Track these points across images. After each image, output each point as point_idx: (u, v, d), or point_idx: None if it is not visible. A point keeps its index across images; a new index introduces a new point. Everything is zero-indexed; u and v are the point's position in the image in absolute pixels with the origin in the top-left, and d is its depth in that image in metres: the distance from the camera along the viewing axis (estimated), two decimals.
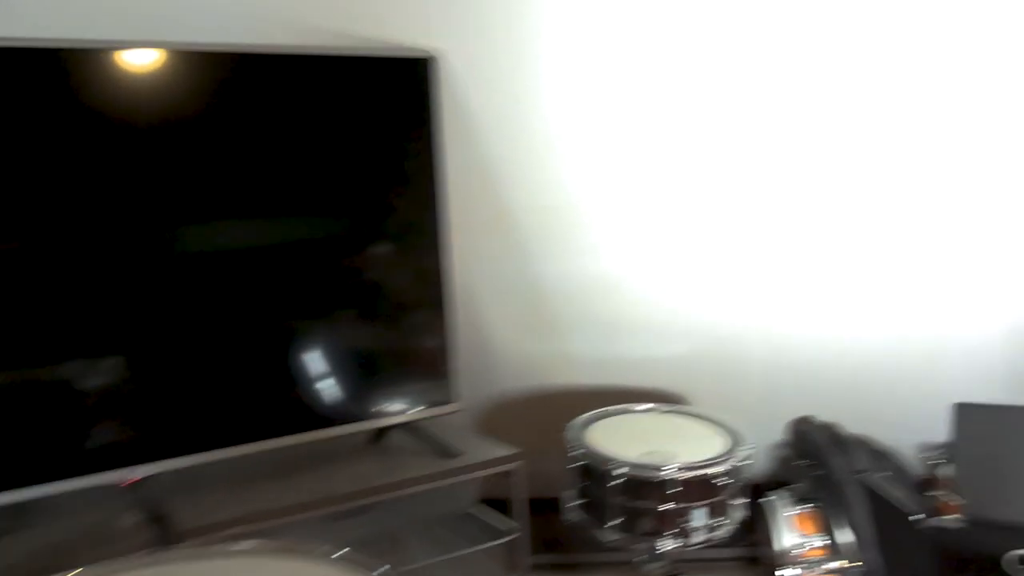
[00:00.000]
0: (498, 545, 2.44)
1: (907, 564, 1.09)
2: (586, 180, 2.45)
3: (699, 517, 2.25)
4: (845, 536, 2.53)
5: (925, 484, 3.01)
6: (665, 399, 2.93)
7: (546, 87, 2.21)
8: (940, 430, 3.25)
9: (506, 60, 2.14)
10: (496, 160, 2.35)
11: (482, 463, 2.39)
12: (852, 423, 3.13)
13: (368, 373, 2.30)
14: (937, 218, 2.58)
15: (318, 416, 2.23)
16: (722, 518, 2.31)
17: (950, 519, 1.04)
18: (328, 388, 2.25)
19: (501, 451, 2.45)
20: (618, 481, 2.23)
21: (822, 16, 2.17)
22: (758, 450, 3.27)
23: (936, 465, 2.93)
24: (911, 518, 1.09)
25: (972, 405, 0.97)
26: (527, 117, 2.28)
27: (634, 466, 2.23)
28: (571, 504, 2.41)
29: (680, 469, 2.22)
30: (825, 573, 2.60)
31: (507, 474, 2.41)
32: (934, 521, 1.04)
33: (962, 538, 1.03)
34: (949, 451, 1.03)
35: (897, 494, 1.13)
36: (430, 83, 2.09)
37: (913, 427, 3.24)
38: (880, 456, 3.11)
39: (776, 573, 2.62)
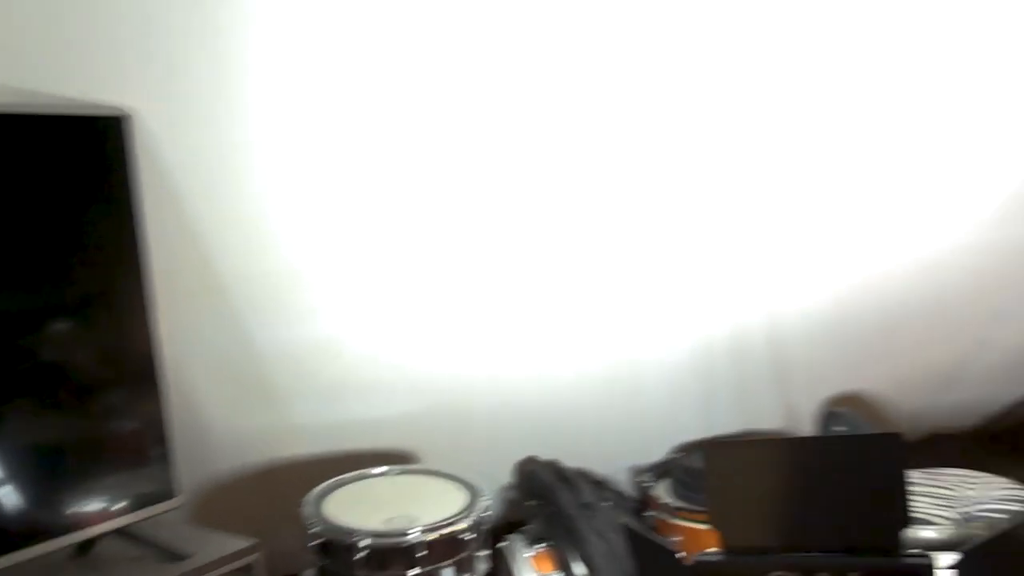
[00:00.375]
0: None
1: None
2: (301, 242, 2.34)
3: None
4: (580, 569, 2.63)
5: (642, 505, 3.24)
6: (397, 458, 2.87)
7: (257, 149, 2.10)
8: (648, 451, 3.53)
9: (212, 120, 2.00)
10: (204, 225, 2.18)
11: (216, 561, 2.14)
12: (572, 457, 3.29)
13: (64, 474, 1.99)
14: (615, 245, 2.74)
15: None
16: (470, 573, 2.30)
17: (710, 552, 1.10)
18: (7, 498, 1.90)
19: (236, 545, 2.21)
20: (363, 553, 2.13)
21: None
22: (491, 497, 3.32)
23: (648, 487, 3.15)
24: (676, 556, 1.13)
25: (719, 443, 1.04)
26: (237, 179, 2.14)
27: (377, 535, 2.15)
28: None
29: (425, 531, 2.17)
30: None
31: (247, 568, 2.19)
32: (696, 556, 1.09)
33: (722, 568, 1.09)
34: (704, 490, 1.10)
35: (657, 537, 1.17)
36: (123, 143, 1.89)
37: (623, 452, 3.48)
38: (600, 486, 3.29)
39: None
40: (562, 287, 2.77)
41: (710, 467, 1.16)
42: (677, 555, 1.16)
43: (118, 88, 1.89)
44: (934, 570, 1.02)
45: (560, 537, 2.83)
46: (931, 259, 3.05)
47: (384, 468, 2.58)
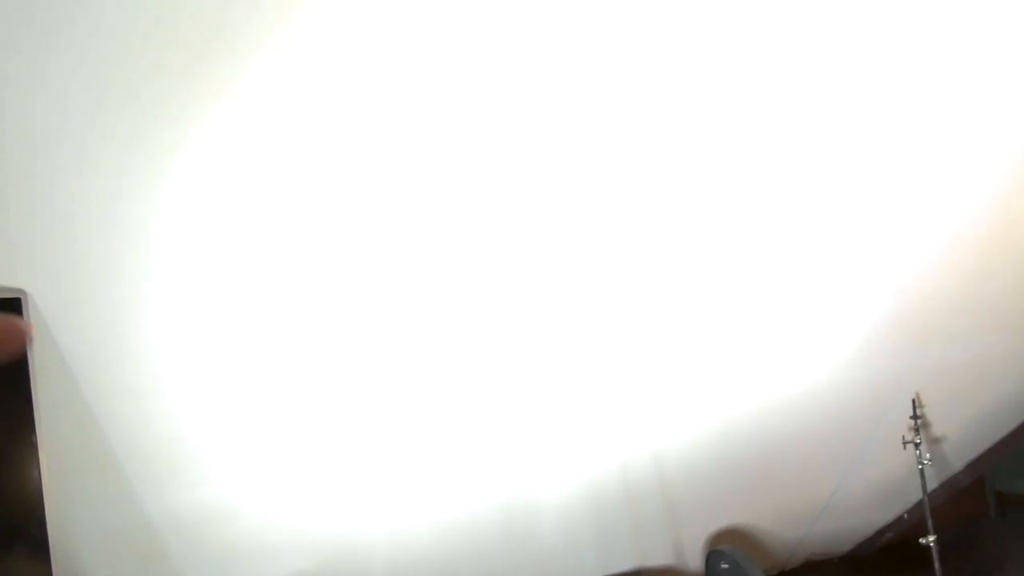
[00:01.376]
0: None
1: None
2: (193, 412, 2.33)
3: None
4: None
5: None
6: None
7: (149, 324, 2.11)
8: None
9: (104, 299, 2.01)
10: (97, 398, 2.15)
11: None
12: None
13: None
14: (503, 389, 2.81)
15: None
16: None
17: None
18: None
19: None
20: None
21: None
22: None
23: None
24: None
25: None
26: (131, 354, 2.14)
27: None
28: None
29: None
30: None
31: None
32: None
33: None
34: None
35: None
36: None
37: None
38: None
39: None
40: (452, 434, 2.82)
41: None
42: None
43: (12, 270, 1.89)
44: None
45: None
46: (793, 398, 3.27)
47: None
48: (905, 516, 4.09)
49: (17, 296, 1.92)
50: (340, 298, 2.29)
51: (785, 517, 3.82)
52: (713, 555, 3.43)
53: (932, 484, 3.95)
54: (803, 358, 3.20)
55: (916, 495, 3.55)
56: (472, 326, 2.56)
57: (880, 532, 4.22)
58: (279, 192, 2.03)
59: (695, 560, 3.62)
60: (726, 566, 3.29)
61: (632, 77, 2.12)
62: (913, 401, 3.51)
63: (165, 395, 2.22)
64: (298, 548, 2.75)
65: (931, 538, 3.39)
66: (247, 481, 2.50)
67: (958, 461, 4.10)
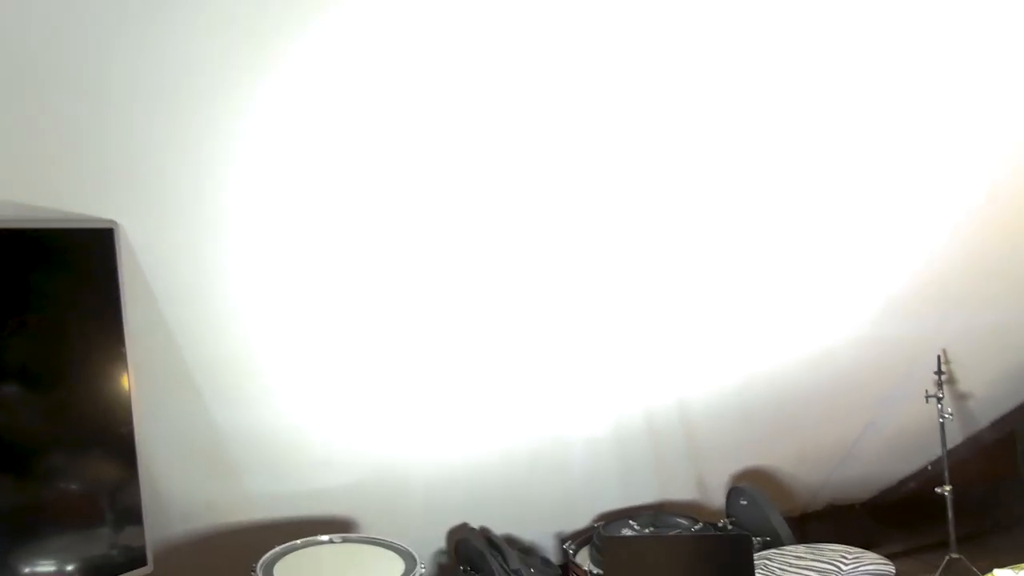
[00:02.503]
0: None
1: None
2: (262, 337, 2.59)
3: None
4: None
5: (565, 572, 3.50)
6: (339, 526, 3.10)
7: (227, 255, 2.36)
8: (572, 520, 3.80)
9: (186, 231, 2.27)
10: (175, 321, 2.43)
11: None
12: (501, 525, 3.56)
13: (32, 534, 2.21)
14: (540, 333, 3.03)
15: None
16: None
17: None
18: None
19: None
20: None
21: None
22: (422, 560, 3.54)
23: (571, 554, 3.42)
24: None
25: (617, 539, 1.32)
26: (207, 282, 2.40)
27: None
28: None
29: None
30: None
31: None
32: None
33: None
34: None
35: None
36: (110, 251, 2.15)
37: (549, 520, 3.74)
38: (527, 552, 3.56)
39: None
40: (493, 372, 3.05)
41: (608, 561, 1.45)
42: None
43: (105, 203, 2.16)
44: None
45: None
46: (824, 351, 3.43)
47: (328, 536, 2.81)
48: (929, 468, 4.22)
49: (109, 227, 2.19)
50: (396, 237, 2.52)
51: (807, 462, 4.00)
52: (733, 492, 3.63)
53: (957, 439, 4.08)
54: (834, 312, 3.34)
55: (940, 449, 3.68)
56: (514, 272, 2.77)
57: (903, 482, 4.36)
58: (336, 141, 2.25)
59: (718, 497, 3.83)
60: (745, 503, 3.50)
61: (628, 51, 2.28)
62: (939, 357, 3.63)
63: (239, 320, 2.49)
64: (345, 462, 3.03)
65: (947, 488, 3.54)
66: (305, 402, 2.78)
67: (984, 418, 4.21)
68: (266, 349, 2.62)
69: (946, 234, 3.17)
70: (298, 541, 2.74)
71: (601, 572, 3.09)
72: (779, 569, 2.81)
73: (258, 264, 2.41)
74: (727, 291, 3.11)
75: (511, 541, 3.55)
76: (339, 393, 2.83)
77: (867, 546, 3.17)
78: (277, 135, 2.18)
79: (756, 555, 3.02)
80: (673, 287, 3.03)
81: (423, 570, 2.61)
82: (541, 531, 3.73)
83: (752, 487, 3.56)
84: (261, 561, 2.59)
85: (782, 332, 3.35)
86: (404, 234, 2.53)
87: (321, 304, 2.58)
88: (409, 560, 2.66)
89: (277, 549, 2.67)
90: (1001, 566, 2.76)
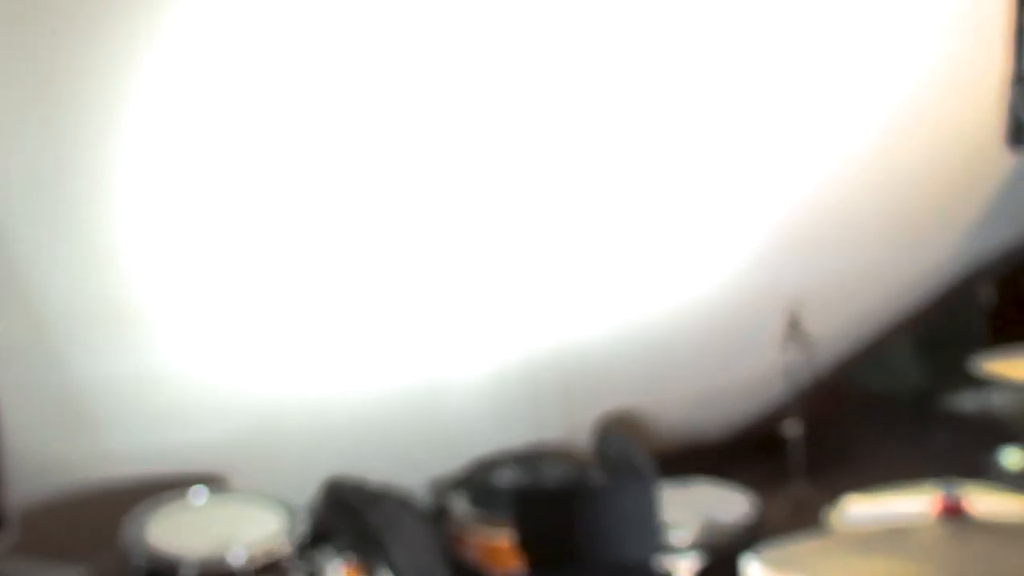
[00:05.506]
0: None
1: None
2: (117, 279, 2.43)
3: None
4: None
5: (441, 517, 3.53)
6: (213, 482, 2.99)
7: (81, 181, 2.19)
8: (446, 463, 3.82)
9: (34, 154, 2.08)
10: (27, 258, 2.23)
11: None
12: (378, 472, 3.54)
13: None
14: (417, 270, 3.02)
15: None
16: None
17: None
18: None
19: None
20: None
21: None
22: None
23: (447, 500, 3.44)
24: None
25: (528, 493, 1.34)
26: (62, 215, 2.22)
27: (203, 561, 2.29)
28: None
29: (248, 553, 2.34)
30: None
31: None
32: None
33: None
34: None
35: None
36: None
37: (425, 465, 3.76)
38: (403, 501, 3.56)
39: None
40: (366, 309, 3.00)
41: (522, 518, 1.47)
42: None
43: None
44: None
45: (371, 551, 3.07)
46: (686, 299, 3.60)
47: (200, 492, 2.71)
48: (776, 410, 4.51)
49: None
50: (265, 161, 2.41)
51: (668, 405, 4.19)
52: (602, 435, 3.76)
53: (803, 381, 4.37)
54: (694, 262, 3.49)
55: (787, 390, 3.94)
56: (386, 204, 2.69)
57: (754, 423, 4.65)
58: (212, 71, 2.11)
59: (584, 437, 3.96)
60: (614, 446, 3.64)
61: None
62: (791, 307, 3.86)
63: (96, 258, 2.32)
64: (215, 414, 2.92)
65: (791, 425, 3.80)
66: (168, 351, 2.64)
67: (828, 361, 4.53)
68: (123, 293, 2.46)
69: (803, 192, 3.36)
70: (167, 498, 2.62)
71: (479, 518, 3.11)
72: None
73: (114, 197, 2.24)
74: (598, 240, 3.19)
75: (387, 489, 3.53)
76: (204, 340, 2.71)
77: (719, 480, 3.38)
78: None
79: None
80: (550, 231, 3.07)
81: (305, 523, 2.57)
82: (417, 479, 3.75)
83: (619, 431, 3.69)
84: (129, 522, 2.46)
85: (650, 282, 3.47)
86: (274, 158, 2.43)
87: (186, 242, 2.45)
88: (291, 513, 2.61)
89: (146, 509, 2.55)
90: (837, 493, 3.00)
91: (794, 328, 3.83)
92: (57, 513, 2.77)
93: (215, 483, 3.00)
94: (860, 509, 2.45)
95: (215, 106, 2.18)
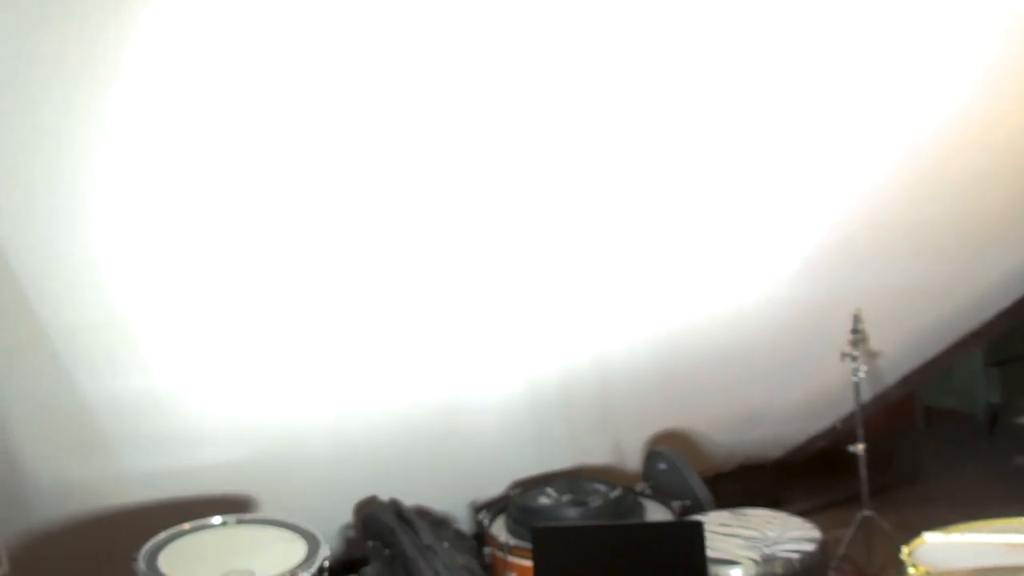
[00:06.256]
0: None
1: None
2: (130, 294, 2.30)
3: None
4: None
5: (480, 542, 3.35)
6: (233, 505, 2.85)
7: (87, 201, 2.06)
8: (486, 488, 3.64)
9: (43, 185, 1.96)
10: (27, 275, 2.11)
11: None
12: (411, 495, 3.37)
13: None
14: (445, 287, 2.83)
15: None
16: None
17: None
18: None
19: None
20: None
21: None
22: (327, 535, 3.33)
23: (486, 524, 3.26)
24: None
25: (548, 529, 1.15)
26: (64, 230, 2.09)
27: None
28: None
29: None
30: None
31: None
32: None
33: None
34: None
35: None
36: None
37: (461, 489, 3.58)
38: (439, 525, 3.38)
39: None
40: (391, 330, 2.83)
41: (537, 549, 1.28)
42: None
43: None
44: None
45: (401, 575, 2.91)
46: (737, 311, 3.35)
47: (221, 518, 2.56)
48: (838, 425, 4.24)
49: None
50: (286, 181, 2.26)
51: (721, 423, 3.95)
52: (651, 456, 3.54)
53: (865, 396, 4.09)
54: (749, 273, 3.25)
55: (848, 406, 3.66)
56: (421, 219, 2.54)
57: (812, 440, 4.38)
58: (201, 97, 1.97)
59: (633, 460, 3.74)
60: (664, 467, 3.41)
61: None
62: (854, 316, 3.60)
63: (100, 275, 2.19)
64: (235, 435, 2.78)
65: (860, 446, 3.53)
66: (185, 370, 2.50)
67: (891, 376, 4.24)
68: (134, 309, 2.32)
69: (860, 195, 3.11)
70: (186, 525, 2.47)
71: (518, 544, 2.93)
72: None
73: (125, 215, 2.11)
74: (649, 245, 2.98)
75: (423, 513, 3.37)
76: (222, 358, 2.58)
77: (776, 504, 3.13)
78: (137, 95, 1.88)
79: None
80: (590, 244, 2.87)
81: (327, 552, 2.40)
82: (454, 501, 3.57)
83: (670, 450, 3.47)
84: (144, 549, 2.32)
85: (697, 292, 3.25)
86: (298, 182, 2.28)
87: (200, 261, 2.31)
88: (312, 542, 2.44)
89: (162, 536, 2.41)
90: (908, 519, 2.74)
91: (856, 341, 3.57)
92: (74, 539, 2.65)
93: (239, 506, 2.86)
94: (940, 545, 2.20)
95: (215, 112, 2.04)
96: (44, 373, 2.29)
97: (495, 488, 3.57)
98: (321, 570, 2.35)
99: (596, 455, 3.72)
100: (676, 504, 3.12)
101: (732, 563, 2.50)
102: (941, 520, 2.54)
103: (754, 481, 4.25)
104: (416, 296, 2.75)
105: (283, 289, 2.50)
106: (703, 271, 3.16)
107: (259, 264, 2.40)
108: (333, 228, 2.42)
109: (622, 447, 3.74)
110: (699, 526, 1.18)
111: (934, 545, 2.27)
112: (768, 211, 3.03)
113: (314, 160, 2.24)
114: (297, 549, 2.40)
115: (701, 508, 3.13)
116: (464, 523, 3.57)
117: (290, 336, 2.63)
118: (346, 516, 3.35)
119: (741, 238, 3.10)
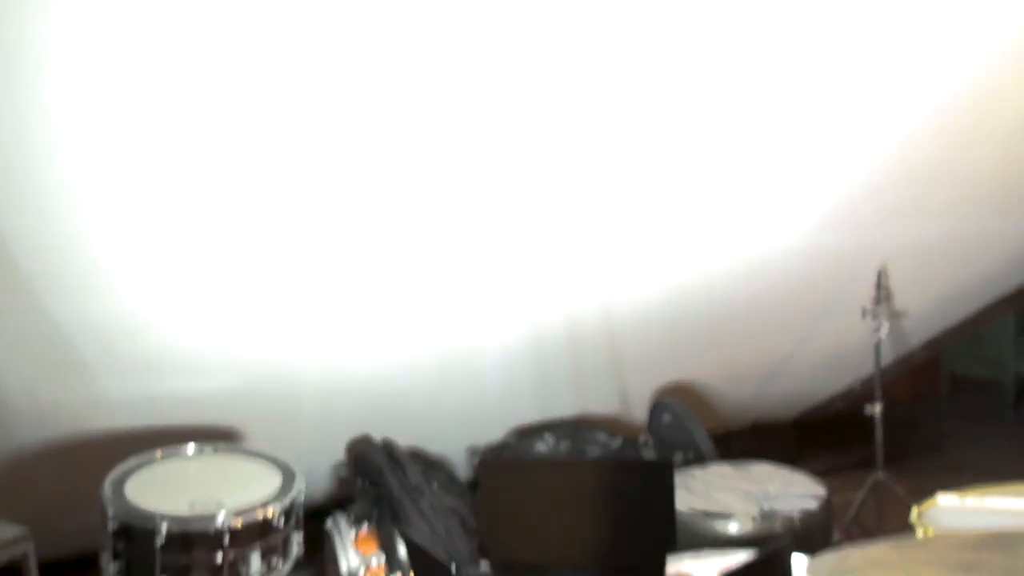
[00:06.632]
0: None
1: None
2: (99, 213, 2.16)
3: (256, 562, 2.15)
4: (404, 551, 2.62)
5: (475, 487, 3.25)
6: (219, 436, 2.76)
7: (44, 97, 1.92)
8: (486, 433, 3.54)
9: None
10: None
11: None
12: (407, 437, 3.27)
13: None
14: (451, 228, 2.70)
15: None
16: (280, 557, 2.24)
17: (479, 570, 1.11)
18: None
19: (4, 533, 2.08)
20: (164, 538, 2.04)
21: None
22: (319, 472, 3.26)
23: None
24: (448, 569, 1.13)
25: (493, 463, 1.03)
26: (30, 153, 1.97)
27: (179, 519, 2.06)
28: (111, 568, 2.15)
29: (231, 515, 2.10)
30: None
31: (20, 558, 2.05)
32: (469, 570, 1.10)
33: None
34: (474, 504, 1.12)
35: (438, 549, 1.17)
36: None
37: (461, 433, 3.48)
38: (431, 467, 3.29)
39: None
40: (396, 271, 2.71)
41: (483, 484, 1.15)
42: (449, 569, 1.16)
43: None
44: None
45: (385, 518, 2.82)
46: (757, 260, 3.17)
47: (195, 446, 2.47)
48: (857, 387, 4.09)
49: None
50: (292, 101, 2.11)
51: (735, 378, 3.80)
52: (657, 407, 3.41)
53: (887, 359, 3.92)
54: (770, 221, 3.06)
55: (869, 367, 3.49)
56: (427, 161, 2.40)
57: (830, 400, 4.23)
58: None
59: (640, 412, 3.61)
60: (669, 418, 3.28)
61: None
62: (879, 274, 3.41)
63: (60, 191, 2.06)
64: (224, 367, 2.68)
65: (877, 407, 3.38)
66: (160, 292, 2.38)
67: (916, 338, 4.06)
68: (104, 230, 2.20)
69: (893, 143, 2.89)
70: (158, 452, 2.39)
71: None
72: (701, 489, 2.59)
73: (91, 122, 1.97)
74: (658, 191, 2.80)
75: (417, 455, 3.27)
76: (209, 282, 2.45)
77: (791, 464, 2.99)
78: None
79: (678, 472, 2.79)
80: (599, 184, 2.69)
81: (302, 486, 2.30)
82: (451, 445, 3.47)
83: (676, 402, 3.33)
84: (111, 476, 2.24)
85: (715, 238, 3.06)
86: (305, 106, 2.13)
87: (184, 177, 2.17)
88: (287, 474, 2.35)
89: (132, 461, 2.33)
90: (924, 485, 2.59)
91: (880, 299, 3.39)
92: (50, 461, 2.59)
93: (224, 438, 2.77)
94: (953, 508, 2.05)
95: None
96: (12, 292, 2.19)
97: (495, 434, 3.46)
98: (294, 503, 2.25)
99: (601, 405, 3.60)
100: (678, 456, 3.00)
101: (728, 517, 2.37)
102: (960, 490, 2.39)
103: (767, 440, 4.11)
104: (421, 237, 2.62)
105: (276, 221, 2.37)
106: (721, 216, 2.98)
107: (249, 191, 2.26)
108: (333, 161, 2.28)
109: (628, 398, 3.61)
110: (668, 466, 1.05)
111: (947, 508, 2.12)
112: (792, 156, 2.82)
113: (322, 84, 2.09)
114: (272, 482, 2.30)
115: (704, 461, 3.00)
116: (462, 468, 3.48)
117: (283, 269, 2.51)
118: (339, 455, 3.27)
119: (762, 183, 2.90)
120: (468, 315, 2.98)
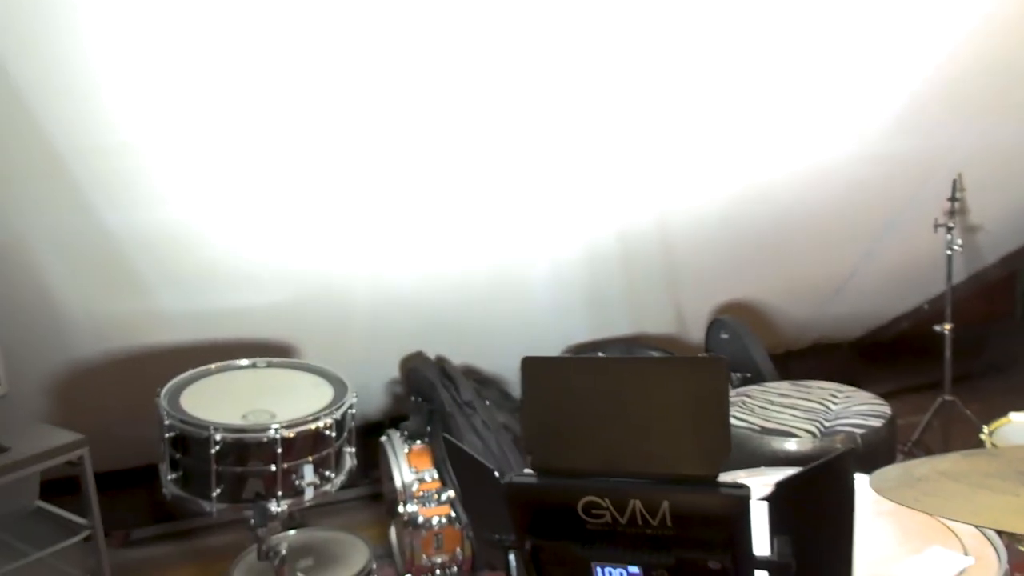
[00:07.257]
0: (70, 545, 2.13)
1: (493, 515, 1.11)
2: (148, 119, 2.13)
3: (309, 473, 2.17)
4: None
5: None
6: (273, 350, 2.78)
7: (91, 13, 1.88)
8: (540, 351, 3.50)
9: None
10: (32, 92, 1.96)
11: (37, 456, 2.03)
12: (462, 354, 3.26)
13: None
14: (503, 143, 2.61)
15: None
16: (333, 470, 2.26)
17: (524, 474, 1.07)
18: None
19: (62, 438, 2.11)
20: (218, 447, 2.06)
21: None
22: (373, 389, 3.27)
23: None
24: (493, 474, 1.10)
25: (537, 359, 0.98)
26: (65, 40, 1.92)
27: (234, 429, 2.08)
28: (169, 476, 2.19)
29: (285, 427, 2.10)
30: (440, 504, 2.69)
31: (74, 463, 2.09)
32: (513, 478, 1.06)
33: (533, 490, 1.06)
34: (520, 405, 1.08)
35: (475, 454, 1.13)
36: None
37: (513, 351, 3.45)
38: (485, 383, 3.28)
39: (397, 508, 2.66)
40: (448, 185, 2.64)
41: (526, 384, 1.10)
42: (495, 474, 1.12)
43: None
44: (749, 502, 0.99)
45: (437, 434, 2.82)
46: (819, 168, 3.01)
47: (249, 360, 2.49)
48: (925, 307, 3.94)
49: None
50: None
51: (796, 295, 3.68)
52: (715, 325, 3.32)
53: (960, 276, 3.75)
54: (833, 125, 2.89)
55: (939, 286, 3.34)
56: (476, 77, 2.31)
57: (896, 320, 4.08)
58: None
59: (697, 332, 3.53)
60: (726, 336, 3.20)
61: None
62: (954, 182, 3.24)
63: (113, 92, 2.03)
64: (277, 280, 2.67)
65: (947, 326, 3.25)
66: (212, 204, 2.36)
67: (990, 254, 3.87)
68: (156, 136, 2.17)
69: (963, 32, 2.66)
70: (212, 365, 2.40)
71: None
72: (759, 407, 2.52)
73: (132, 23, 1.93)
74: (714, 97, 2.65)
75: (470, 371, 3.26)
76: (261, 195, 2.42)
77: (853, 386, 2.89)
78: None
79: (735, 391, 2.72)
80: (654, 89, 2.57)
81: (354, 399, 2.30)
82: (506, 363, 3.44)
83: (734, 320, 3.24)
84: (167, 386, 2.26)
85: (775, 145, 2.90)
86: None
87: (236, 86, 2.12)
88: (339, 387, 2.35)
89: (187, 374, 2.34)
90: (993, 409, 2.49)
91: (953, 211, 3.22)
92: (109, 374, 2.63)
93: (280, 352, 2.79)
94: None
95: None
96: (64, 201, 2.19)
97: (550, 351, 3.42)
98: (345, 416, 2.25)
99: (658, 323, 3.53)
100: (736, 375, 2.92)
101: (787, 434, 2.30)
102: None
103: (827, 361, 4.01)
104: (472, 150, 2.54)
105: (331, 132, 2.31)
106: (782, 122, 2.82)
107: (304, 101, 2.20)
108: (390, 73, 2.20)
109: (685, 316, 3.53)
110: (722, 361, 0.98)
111: (1020, 426, 2.02)
112: (854, 51, 2.62)
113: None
114: (324, 394, 2.30)
115: (762, 380, 2.92)
116: (515, 387, 3.46)
117: (337, 183, 2.46)
118: (393, 372, 3.28)
119: (823, 84, 2.72)
120: (519, 229, 2.91)
